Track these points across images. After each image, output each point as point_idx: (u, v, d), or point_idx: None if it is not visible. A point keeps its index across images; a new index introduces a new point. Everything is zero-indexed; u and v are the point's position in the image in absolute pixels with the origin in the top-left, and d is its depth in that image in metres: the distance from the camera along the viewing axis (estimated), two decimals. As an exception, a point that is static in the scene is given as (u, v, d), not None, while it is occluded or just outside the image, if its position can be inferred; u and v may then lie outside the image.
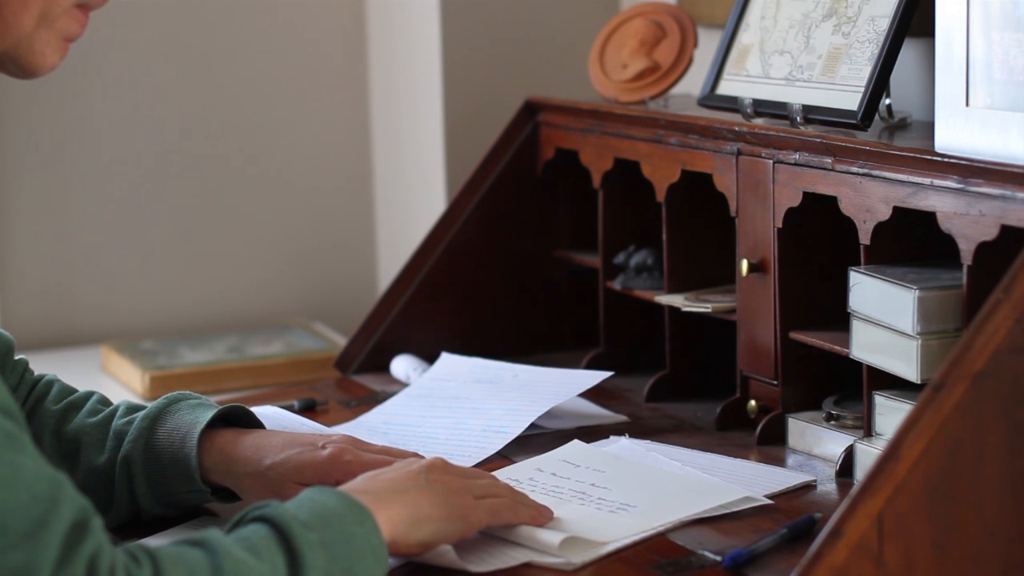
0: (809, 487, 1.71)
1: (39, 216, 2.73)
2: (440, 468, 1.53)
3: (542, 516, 1.55)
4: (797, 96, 1.89)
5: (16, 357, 1.73)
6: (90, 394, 1.73)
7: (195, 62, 2.80)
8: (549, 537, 1.51)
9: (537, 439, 1.87)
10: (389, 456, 1.61)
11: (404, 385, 2.12)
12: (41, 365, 2.49)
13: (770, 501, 1.65)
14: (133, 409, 1.69)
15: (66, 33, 1.44)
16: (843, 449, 1.75)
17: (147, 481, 1.63)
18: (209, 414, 1.65)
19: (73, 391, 1.73)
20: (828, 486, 1.72)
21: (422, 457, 1.60)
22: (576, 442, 1.80)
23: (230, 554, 1.29)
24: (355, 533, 1.37)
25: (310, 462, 1.59)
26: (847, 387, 1.84)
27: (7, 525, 1.19)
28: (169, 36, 2.78)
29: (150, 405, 1.68)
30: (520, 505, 1.54)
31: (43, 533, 1.20)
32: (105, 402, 1.73)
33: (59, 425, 1.68)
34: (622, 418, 1.97)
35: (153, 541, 1.58)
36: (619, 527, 1.56)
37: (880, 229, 1.71)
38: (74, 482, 1.62)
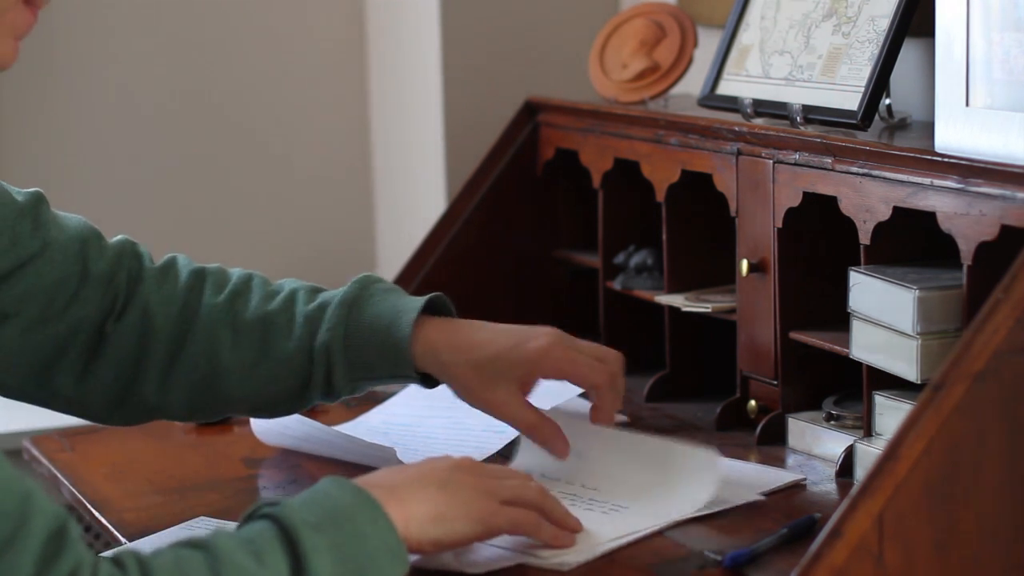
0: (809, 487, 1.71)
1: (39, 216, 2.73)
2: (467, 468, 1.48)
3: (564, 540, 1.50)
4: (797, 96, 1.89)
5: (116, 240, 1.70)
6: (249, 276, 1.71)
7: (194, 63, 2.80)
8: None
9: (537, 439, 1.87)
10: (596, 354, 1.65)
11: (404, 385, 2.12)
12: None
13: (762, 498, 1.65)
14: (315, 292, 1.69)
15: (14, 29, 1.42)
16: (843, 449, 1.75)
17: (347, 369, 1.63)
18: (412, 303, 1.65)
19: (227, 275, 1.71)
20: (828, 486, 1.72)
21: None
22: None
23: (231, 560, 1.27)
24: (367, 533, 1.34)
25: (523, 358, 1.61)
26: (847, 387, 1.83)
27: None
28: (169, 36, 2.78)
29: (339, 290, 1.68)
30: (544, 524, 1.49)
31: (12, 552, 1.16)
32: (269, 283, 1.71)
33: (232, 317, 1.67)
34: (622, 418, 1.97)
35: (159, 539, 1.58)
36: (614, 527, 1.56)
37: (880, 229, 1.71)
38: (262, 370, 1.65)
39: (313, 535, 1.31)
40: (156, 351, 1.67)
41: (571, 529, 1.52)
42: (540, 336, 1.64)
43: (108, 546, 1.76)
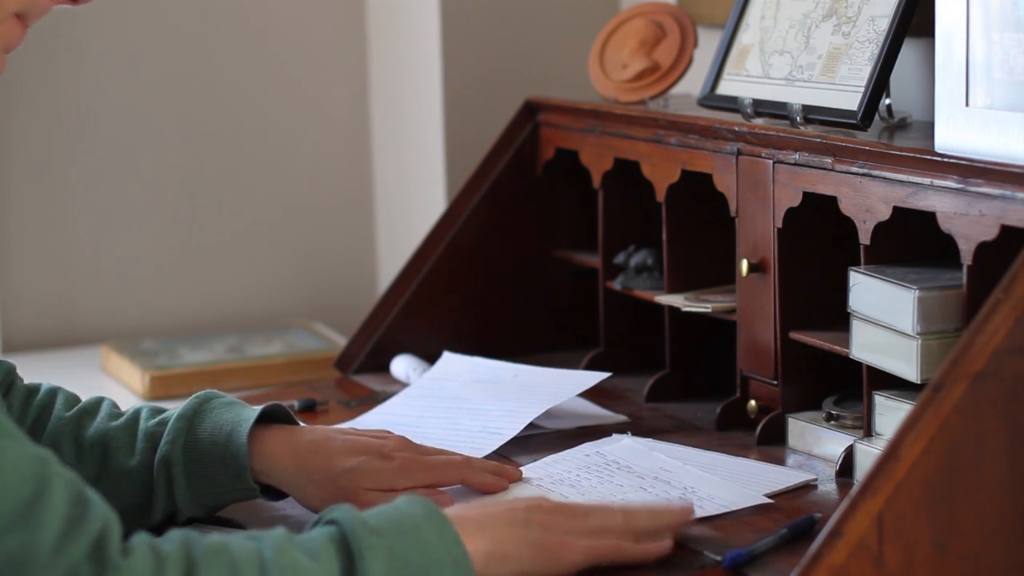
0: (809, 487, 1.71)
1: (39, 216, 2.73)
2: (545, 508, 1.46)
3: (655, 551, 1.48)
4: (797, 96, 1.89)
5: (7, 361, 1.71)
6: (100, 399, 1.71)
7: (195, 63, 2.79)
8: None
9: (537, 439, 1.87)
10: (442, 456, 1.65)
11: (404, 385, 2.12)
12: (41, 365, 2.51)
13: (770, 500, 1.65)
14: (158, 411, 1.68)
15: (4, 43, 1.42)
16: (843, 449, 1.75)
17: (188, 482, 1.61)
18: (251, 412, 1.64)
19: (79, 398, 1.72)
20: (828, 486, 1.72)
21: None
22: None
23: (283, 551, 1.28)
24: (432, 542, 1.34)
25: (379, 469, 1.60)
26: (847, 387, 1.83)
27: None
28: (168, 37, 2.78)
29: (180, 405, 1.67)
30: (626, 548, 1.46)
31: (36, 513, 1.18)
32: (118, 407, 1.71)
33: (77, 431, 1.66)
34: (622, 418, 1.97)
35: None
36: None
37: (880, 229, 1.71)
38: (103, 487, 1.60)
39: (370, 536, 1.32)
40: None
41: (666, 527, 1.50)
42: (394, 451, 1.63)
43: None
